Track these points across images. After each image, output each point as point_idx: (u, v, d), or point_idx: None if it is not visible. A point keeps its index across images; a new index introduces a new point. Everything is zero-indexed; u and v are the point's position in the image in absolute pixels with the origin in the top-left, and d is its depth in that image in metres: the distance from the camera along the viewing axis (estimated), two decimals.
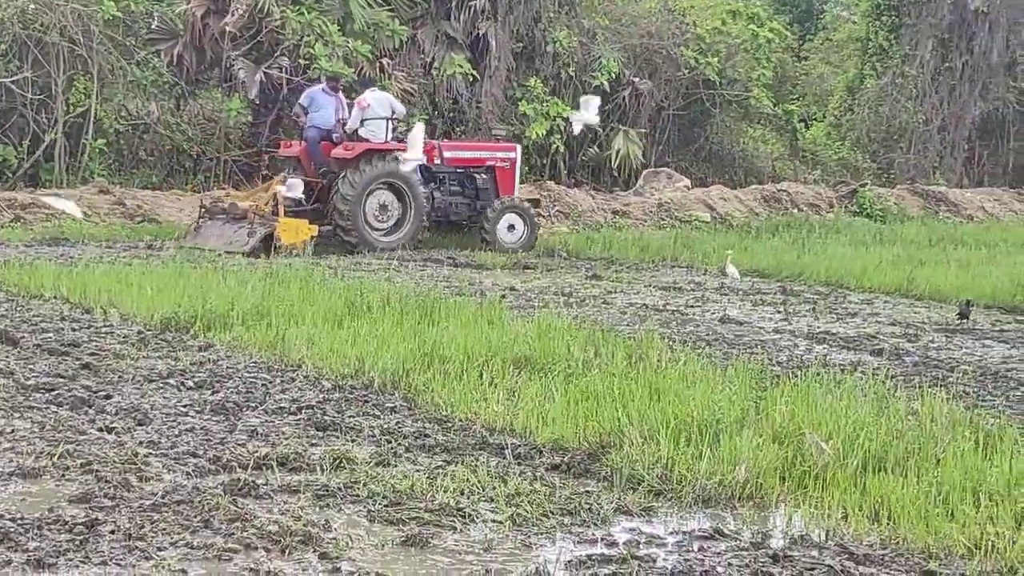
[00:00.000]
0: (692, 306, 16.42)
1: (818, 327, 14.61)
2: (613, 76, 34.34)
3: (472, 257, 22.06)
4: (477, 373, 10.11)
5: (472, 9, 32.13)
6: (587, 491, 7.47)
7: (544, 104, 32.98)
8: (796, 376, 9.95)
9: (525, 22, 33.36)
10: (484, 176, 24.27)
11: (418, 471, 7.69)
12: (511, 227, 23.73)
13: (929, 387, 9.73)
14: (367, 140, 22.83)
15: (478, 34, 32.35)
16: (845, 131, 40.58)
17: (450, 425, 8.93)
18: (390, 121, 23.12)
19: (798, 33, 50.55)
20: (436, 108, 32.01)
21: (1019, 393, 10.73)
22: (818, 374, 9.86)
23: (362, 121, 23.01)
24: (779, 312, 15.97)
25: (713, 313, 15.66)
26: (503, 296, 15.96)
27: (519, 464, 7.98)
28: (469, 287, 17.22)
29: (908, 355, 12.65)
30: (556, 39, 33.51)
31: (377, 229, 22.69)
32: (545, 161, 33.74)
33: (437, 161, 24.12)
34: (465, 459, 7.99)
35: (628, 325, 13.81)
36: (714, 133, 37.49)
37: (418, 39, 32.02)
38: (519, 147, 25.42)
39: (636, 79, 35.11)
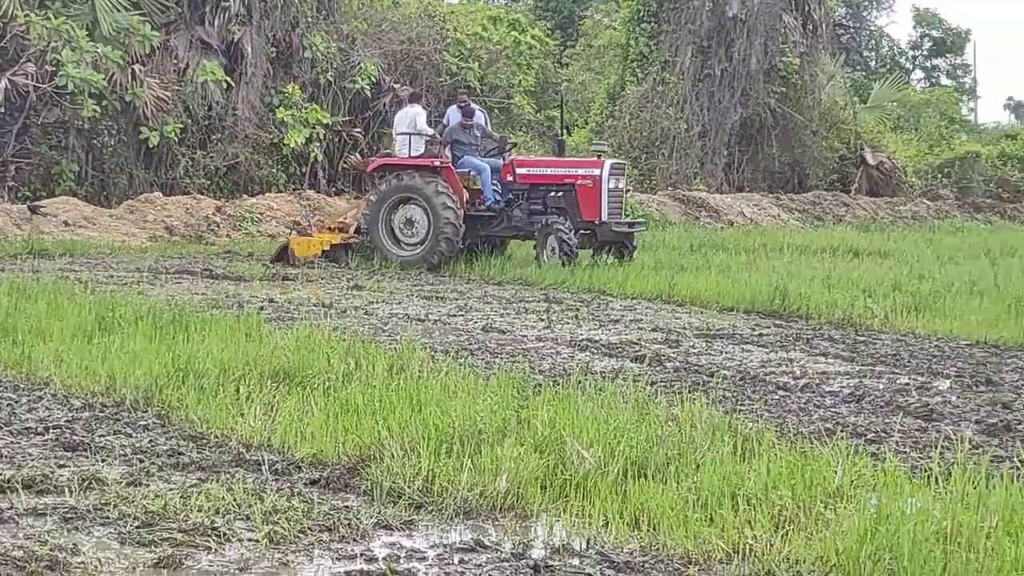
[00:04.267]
0: (455, 315, 16.49)
1: (580, 334, 14.78)
2: (373, 82, 34.35)
3: (230, 269, 21.84)
4: (234, 388, 9.99)
5: (226, 14, 31.83)
6: (346, 506, 7.44)
7: (303, 111, 32.84)
8: (558, 384, 10.04)
9: (282, 27, 33.22)
10: (558, 194, 23.63)
11: (171, 490, 7.57)
12: (552, 249, 22.97)
13: (689, 392, 9.92)
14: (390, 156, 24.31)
15: (233, 39, 32.06)
16: (607, 137, 41.23)
17: (205, 442, 8.81)
18: (415, 137, 23.72)
19: (559, 39, 51.24)
20: (191, 115, 31.61)
21: (776, 397, 10.98)
22: (580, 382, 9.96)
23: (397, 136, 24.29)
24: (542, 320, 16.12)
25: (476, 322, 15.75)
26: (261, 308, 15.83)
27: (277, 480, 7.90)
28: (226, 299, 17.06)
29: (669, 361, 12.87)
30: (313, 45, 33.38)
31: (403, 243, 23.34)
32: (304, 169, 33.58)
33: (509, 178, 23.90)
34: (221, 476, 7.88)
35: (389, 335, 13.81)
36: None
37: (171, 44, 31.64)
38: (607, 163, 23.90)
39: (397, 85, 35.19)
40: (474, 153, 24.16)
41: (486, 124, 25.61)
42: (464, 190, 23.64)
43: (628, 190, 28.84)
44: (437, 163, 23.36)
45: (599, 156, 24.57)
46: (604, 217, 23.29)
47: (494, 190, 23.77)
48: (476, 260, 23.14)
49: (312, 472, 8.09)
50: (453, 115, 24.68)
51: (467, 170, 23.81)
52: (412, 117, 24.19)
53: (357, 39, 35.37)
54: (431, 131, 24.08)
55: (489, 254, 23.90)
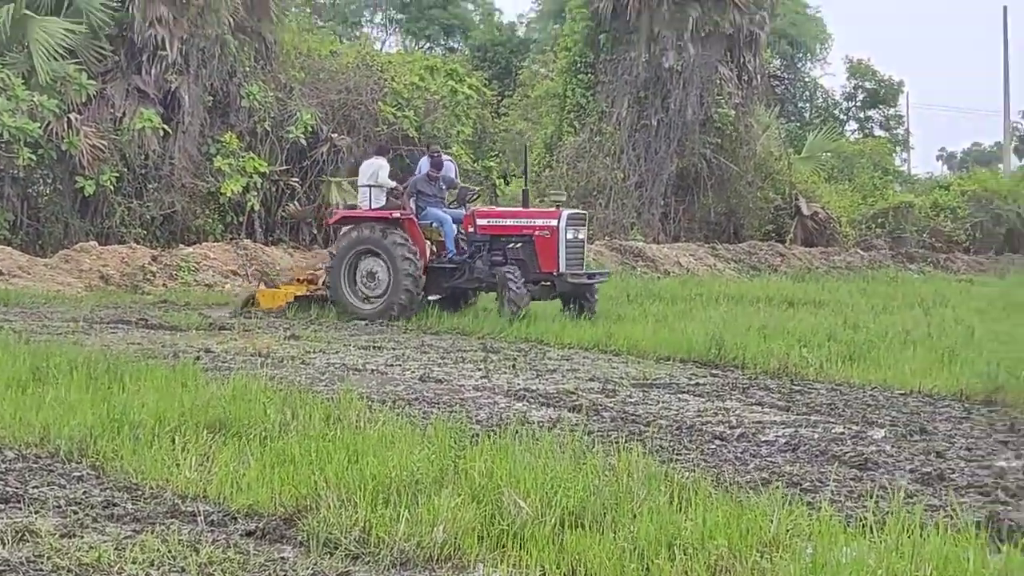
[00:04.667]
0: (392, 364, 16.47)
1: (518, 384, 14.79)
2: (310, 131, 34.37)
3: (165, 318, 21.74)
4: (169, 438, 9.92)
5: (163, 63, 31.81)
6: (283, 557, 7.39)
7: (240, 159, 32.79)
8: (495, 434, 10.03)
9: (219, 76, 33.22)
10: (517, 245, 23.06)
11: (106, 542, 7.50)
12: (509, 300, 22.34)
13: (626, 442, 9.93)
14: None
15: (170, 88, 32.02)
16: (544, 187, 41.36)
17: (140, 493, 8.73)
18: (377, 189, 23.82)
19: (497, 89, 51.40)
20: (127, 164, 31.51)
21: (713, 446, 11.01)
22: (517, 431, 9.96)
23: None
24: (480, 369, 16.12)
25: (413, 372, 15.73)
26: (197, 358, 15.76)
27: (212, 532, 7.85)
28: (162, 349, 16.97)
29: (606, 410, 12.88)
30: (251, 93, 33.37)
31: (367, 297, 23.09)
32: (241, 218, 33.50)
33: (471, 229, 23.42)
34: (156, 528, 7.82)
35: (326, 385, 13.77)
36: None
37: (107, 93, 31.58)
38: (565, 214, 23.16)
39: (334, 135, 35.22)
40: (438, 204, 23.96)
41: (456, 176, 25.52)
42: (428, 242, 23.51)
43: None
44: (397, 215, 23.17)
45: (557, 206, 24.03)
46: (562, 268, 22.77)
47: (459, 241, 23.63)
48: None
49: (248, 523, 8.04)
50: (424, 165, 24.55)
51: (430, 222, 23.59)
52: (375, 169, 24.17)
53: (294, 88, 35.40)
54: (392, 183, 24.03)
55: (457, 307, 23.78)
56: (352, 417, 10.69)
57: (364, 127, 36.55)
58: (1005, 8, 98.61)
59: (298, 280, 25.00)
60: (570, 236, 22.96)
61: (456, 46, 75.50)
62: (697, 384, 15.26)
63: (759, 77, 47.14)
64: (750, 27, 45.09)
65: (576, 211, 24.61)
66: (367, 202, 23.74)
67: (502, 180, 42.40)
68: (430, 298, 23.63)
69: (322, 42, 40.39)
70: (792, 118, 73.09)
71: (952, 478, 9.81)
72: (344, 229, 23.96)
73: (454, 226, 23.64)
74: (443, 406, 12.67)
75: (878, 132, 79.76)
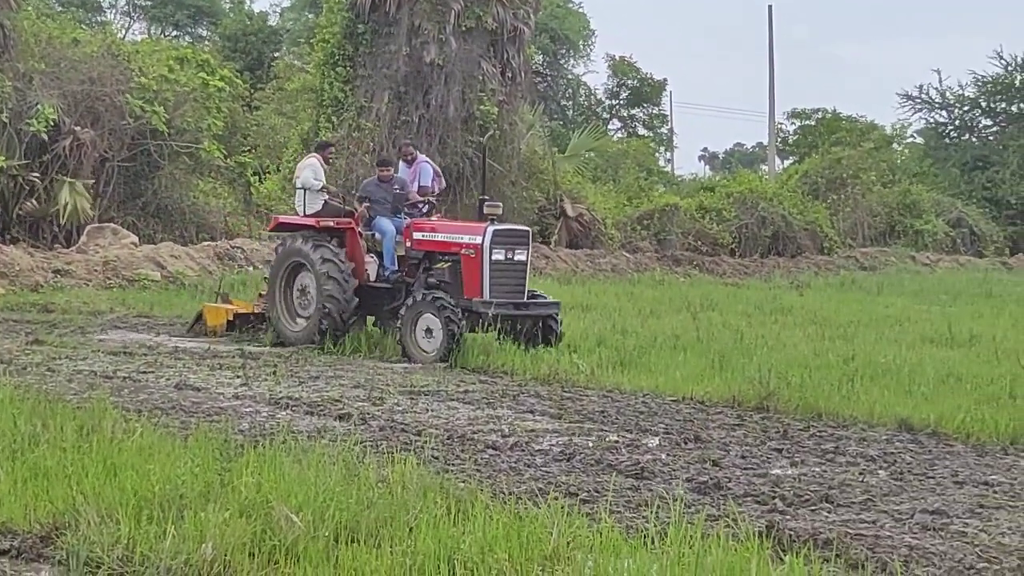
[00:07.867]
0: (145, 372, 16.26)
1: (280, 392, 14.74)
2: (51, 124, 33.66)
3: None
4: None
5: None
6: None
7: None
8: (261, 445, 9.99)
9: None
10: (445, 266, 20.07)
11: None
12: (428, 331, 18.91)
13: (399, 452, 9.98)
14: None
15: None
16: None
17: None
18: (311, 193, 21.38)
19: (249, 81, 50.96)
20: None
21: (486, 456, 11.13)
22: (284, 442, 9.94)
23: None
24: (238, 376, 16.02)
25: (168, 379, 15.56)
26: None
27: None
28: None
29: (374, 419, 12.92)
30: None
31: (299, 316, 20.80)
32: None
33: (408, 244, 20.60)
34: None
35: (76, 394, 13.54)
36: (162, 186, 37.32)
37: None
38: (491, 229, 19.59)
39: (77, 128, 34.55)
40: (388, 213, 21.08)
41: (433, 179, 22.46)
42: (372, 257, 21.02)
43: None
44: (331, 223, 20.95)
45: (492, 220, 20.03)
46: (486, 295, 19.36)
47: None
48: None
49: (1, 541, 7.89)
50: (402, 167, 22.45)
51: (372, 232, 21.04)
52: (305, 169, 21.89)
53: (34, 78, 34.61)
54: (319, 184, 21.55)
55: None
56: (107, 428, 10.54)
57: (110, 120, 35.89)
58: (770, 7, 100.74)
59: (261, 295, 22.41)
60: (498, 257, 19.59)
61: (205, 34, 74.73)
62: (466, 391, 15.40)
63: (523, 74, 47.46)
64: (514, 22, 45.40)
65: (511, 227, 20.87)
66: (302, 207, 21.53)
67: (256, 177, 42.03)
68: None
69: (63, 29, 39.53)
70: (555, 116, 74.00)
71: (729, 487, 10.09)
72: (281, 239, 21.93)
73: (397, 238, 20.87)
74: (202, 416, 12.58)
75: (642, 131, 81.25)
